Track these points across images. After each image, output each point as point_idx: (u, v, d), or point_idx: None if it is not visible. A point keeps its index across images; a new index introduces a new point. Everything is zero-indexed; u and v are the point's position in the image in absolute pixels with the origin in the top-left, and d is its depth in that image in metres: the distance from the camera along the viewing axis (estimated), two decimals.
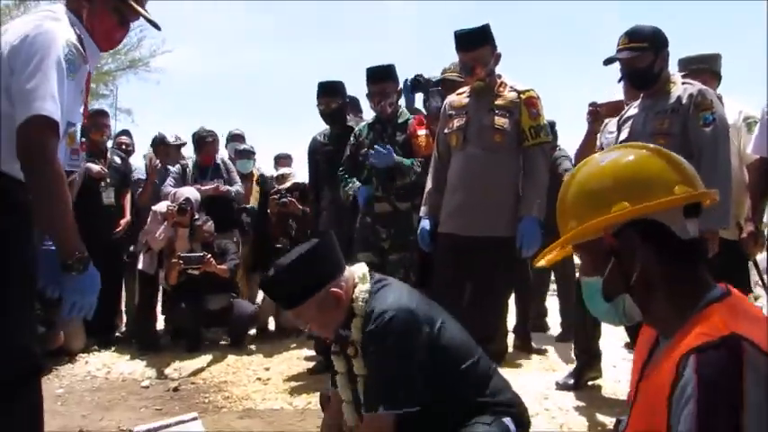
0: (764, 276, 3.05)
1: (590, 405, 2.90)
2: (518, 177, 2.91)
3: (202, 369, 3.89)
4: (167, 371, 3.87)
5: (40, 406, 1.73)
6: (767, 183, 2.90)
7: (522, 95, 2.88)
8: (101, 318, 4.56)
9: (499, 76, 2.98)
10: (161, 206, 4.43)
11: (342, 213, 3.69)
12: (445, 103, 3.13)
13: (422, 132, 3.44)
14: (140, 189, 4.86)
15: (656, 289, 1.07)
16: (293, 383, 3.56)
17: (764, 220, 3.04)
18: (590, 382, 3.18)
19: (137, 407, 3.25)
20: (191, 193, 4.50)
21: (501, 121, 2.84)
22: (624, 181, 1.08)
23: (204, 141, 4.92)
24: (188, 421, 2.29)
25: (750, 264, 3.07)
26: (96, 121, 4.57)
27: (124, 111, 16.96)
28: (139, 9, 1.86)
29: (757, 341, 0.91)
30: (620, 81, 2.81)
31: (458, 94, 3.07)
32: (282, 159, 6.55)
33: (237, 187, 4.88)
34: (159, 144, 5.36)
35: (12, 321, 1.64)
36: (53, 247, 1.68)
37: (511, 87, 2.92)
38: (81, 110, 1.84)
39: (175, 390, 3.50)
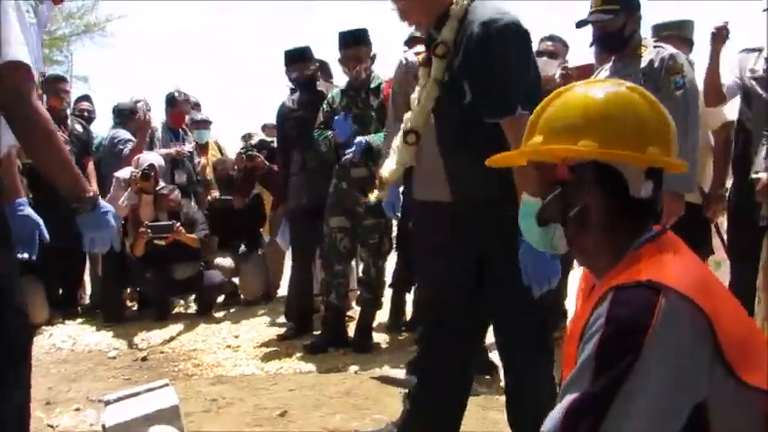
0: (725, 239, 3.14)
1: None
2: None
3: (171, 338, 3.85)
4: (134, 341, 3.82)
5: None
6: (732, 148, 2.97)
7: None
8: (64, 290, 4.52)
9: None
10: (124, 173, 4.31)
11: (312, 179, 3.67)
12: (404, 61, 2.91)
13: None
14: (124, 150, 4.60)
15: (591, 228, 1.07)
16: (263, 350, 3.56)
17: (726, 185, 3.11)
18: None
19: (105, 377, 3.21)
20: (155, 158, 4.38)
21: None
22: (598, 119, 1.04)
23: (177, 101, 4.82)
24: (159, 388, 2.26)
25: (713, 228, 3.16)
26: (55, 87, 4.40)
27: (81, 78, 16.38)
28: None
29: (676, 284, 0.91)
30: (591, 45, 2.81)
31: (417, 54, 2.71)
32: (269, 129, 6.46)
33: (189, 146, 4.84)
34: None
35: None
36: (25, 212, 1.67)
37: None
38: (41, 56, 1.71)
39: (144, 359, 3.47)
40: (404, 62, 2.92)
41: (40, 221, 1.73)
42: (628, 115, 1.04)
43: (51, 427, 2.53)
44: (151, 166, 4.26)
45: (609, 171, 1.04)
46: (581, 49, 3.96)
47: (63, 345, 3.80)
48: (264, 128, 6.43)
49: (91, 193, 1.59)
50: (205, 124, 5.24)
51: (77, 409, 2.71)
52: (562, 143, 1.05)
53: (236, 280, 4.75)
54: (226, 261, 4.67)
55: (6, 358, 1.48)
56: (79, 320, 4.29)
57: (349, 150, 3.25)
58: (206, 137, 5.21)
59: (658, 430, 0.89)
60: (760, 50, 2.91)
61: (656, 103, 1.08)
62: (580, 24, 2.71)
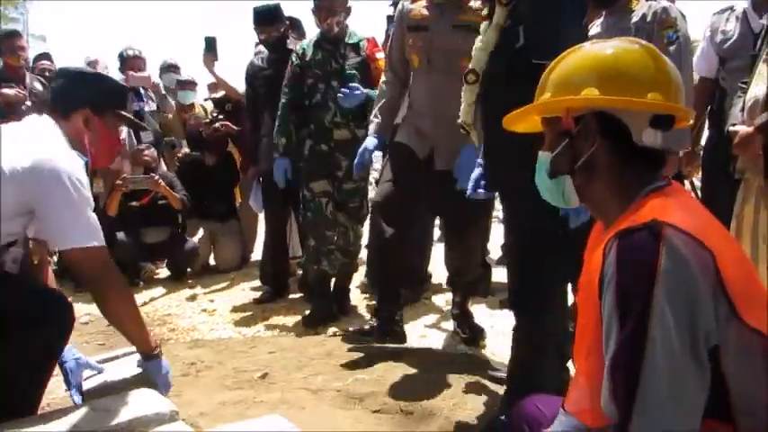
0: (698, 195, 3.21)
1: None
2: None
3: (144, 303, 3.78)
4: None
5: None
6: (706, 104, 3.01)
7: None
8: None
9: None
10: None
11: None
12: (401, 8, 2.73)
13: (381, 56, 3.20)
14: None
15: (598, 177, 1.09)
16: (240, 314, 3.54)
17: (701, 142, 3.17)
18: None
19: (78, 342, 3.13)
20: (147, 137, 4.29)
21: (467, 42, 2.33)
22: (601, 69, 1.07)
23: (131, 58, 4.65)
24: (135, 353, 2.22)
25: (687, 185, 3.23)
26: (10, 43, 4.20)
27: (38, 37, 15.71)
28: (128, 115, 2.04)
29: (679, 223, 0.93)
30: None
31: (414, 1, 2.68)
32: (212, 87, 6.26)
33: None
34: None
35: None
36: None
37: None
38: None
39: None
40: (403, 8, 2.73)
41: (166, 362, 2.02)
42: (628, 64, 1.07)
43: None
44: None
45: (612, 120, 1.06)
46: None
47: None
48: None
49: (157, 351, 1.95)
50: (190, 85, 5.04)
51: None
52: (565, 95, 1.08)
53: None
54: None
55: None
56: None
57: (347, 100, 3.04)
58: (191, 98, 4.97)
59: (685, 370, 0.90)
60: (731, 9, 2.94)
61: (659, 53, 1.09)
62: None
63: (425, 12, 2.61)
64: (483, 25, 2.04)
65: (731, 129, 2.53)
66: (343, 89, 3.06)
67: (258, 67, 3.75)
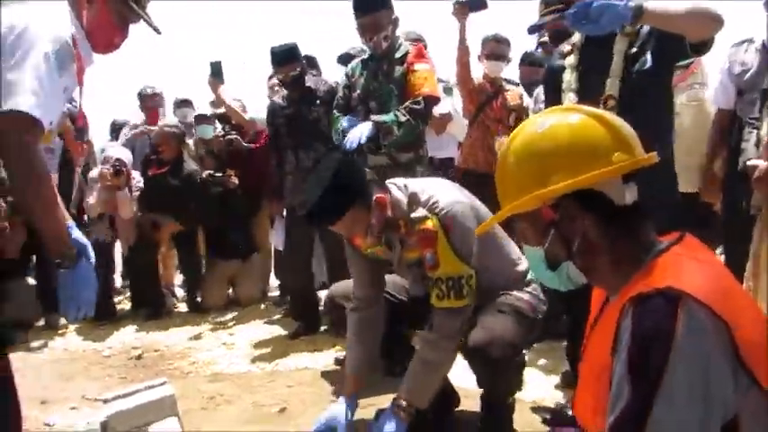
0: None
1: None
2: None
3: (165, 337, 3.83)
4: (128, 339, 3.79)
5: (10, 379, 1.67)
6: (724, 135, 3.01)
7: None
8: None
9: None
10: (94, 172, 4.30)
11: (306, 179, 3.59)
12: None
13: (421, 67, 3.05)
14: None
15: (598, 254, 1.09)
16: (259, 347, 3.54)
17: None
18: None
19: (100, 376, 3.18)
20: (122, 152, 4.35)
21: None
22: (561, 151, 1.06)
23: (149, 96, 4.88)
24: (157, 386, 2.24)
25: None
26: None
27: None
28: (141, 12, 1.77)
29: (695, 291, 0.92)
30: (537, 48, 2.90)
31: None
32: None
33: None
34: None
35: None
36: (74, 235, 1.65)
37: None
38: (63, 108, 1.73)
39: (138, 358, 3.44)
40: None
41: (88, 243, 1.71)
42: (581, 136, 1.07)
43: (48, 425, 2.51)
44: (119, 161, 4.20)
45: (589, 193, 1.06)
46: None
47: (56, 344, 3.77)
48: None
49: (74, 250, 1.60)
50: (207, 120, 5.15)
51: (73, 408, 2.69)
52: (533, 189, 1.07)
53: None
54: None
55: None
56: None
57: (351, 140, 2.89)
58: (210, 132, 5.02)
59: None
60: (750, 40, 2.95)
61: (597, 111, 1.10)
62: (532, 30, 2.77)
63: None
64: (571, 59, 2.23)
65: (749, 163, 2.53)
66: (349, 117, 3.01)
67: (279, 106, 3.80)
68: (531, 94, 3.68)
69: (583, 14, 1.79)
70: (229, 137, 4.48)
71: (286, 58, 3.59)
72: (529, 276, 2.17)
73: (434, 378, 2.03)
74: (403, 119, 2.93)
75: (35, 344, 3.72)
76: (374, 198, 1.99)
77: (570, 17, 1.83)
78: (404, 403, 1.97)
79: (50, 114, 1.54)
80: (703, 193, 3.08)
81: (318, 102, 3.62)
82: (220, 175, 4.44)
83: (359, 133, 2.91)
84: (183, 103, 5.48)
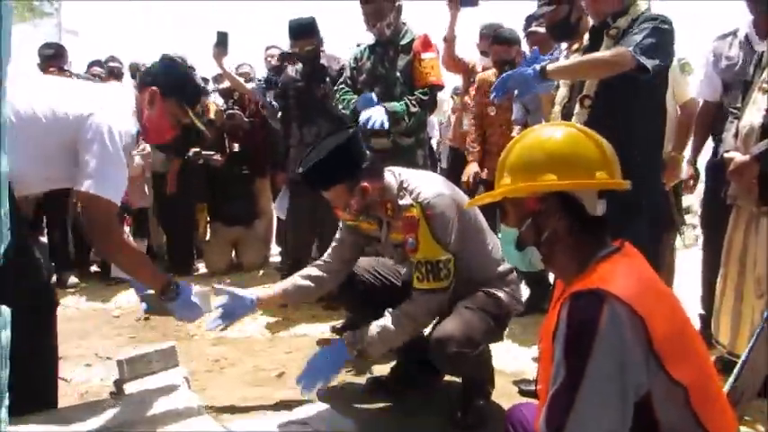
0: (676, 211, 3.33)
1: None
2: None
3: None
4: (134, 300, 3.96)
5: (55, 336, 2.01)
6: (709, 126, 3.12)
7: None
8: (76, 250, 4.67)
9: None
10: None
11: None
12: None
13: (428, 56, 3.16)
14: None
15: (560, 248, 1.31)
16: (260, 314, 3.72)
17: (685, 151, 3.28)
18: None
19: (110, 335, 3.38)
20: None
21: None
22: (556, 157, 1.28)
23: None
24: (166, 349, 2.43)
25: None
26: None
27: (70, 32, 16.07)
28: (193, 118, 2.13)
29: (619, 291, 1.11)
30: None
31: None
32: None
33: None
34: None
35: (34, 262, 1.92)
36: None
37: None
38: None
39: (146, 319, 3.62)
40: None
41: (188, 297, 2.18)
42: (576, 149, 1.28)
43: (65, 380, 2.70)
44: None
45: (569, 197, 1.27)
46: None
47: (68, 302, 3.97)
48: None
49: (172, 288, 2.09)
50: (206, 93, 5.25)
51: (88, 365, 2.89)
52: (527, 181, 1.29)
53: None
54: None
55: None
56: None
57: (366, 119, 2.98)
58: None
59: (609, 411, 1.09)
60: (734, 34, 3.03)
61: (595, 134, 1.33)
62: (529, 20, 2.90)
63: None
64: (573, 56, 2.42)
65: (726, 155, 2.64)
66: (363, 95, 3.06)
67: (291, 78, 3.85)
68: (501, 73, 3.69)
69: (502, 87, 2.22)
70: (230, 111, 4.59)
71: (303, 31, 3.63)
72: (510, 277, 2.33)
73: (394, 344, 2.22)
74: (413, 109, 3.07)
75: None
76: (361, 184, 2.15)
77: (495, 90, 2.24)
78: (357, 347, 2.14)
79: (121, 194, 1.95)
80: (686, 186, 3.22)
81: (328, 79, 3.68)
82: (208, 153, 4.65)
83: (380, 117, 3.00)
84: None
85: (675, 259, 3.45)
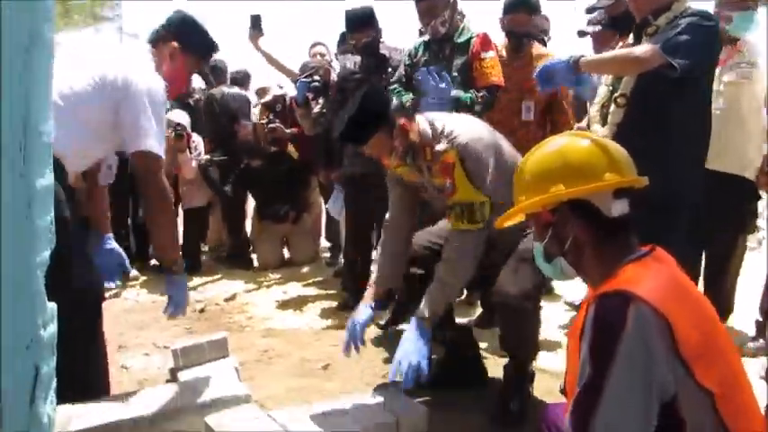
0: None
1: None
2: None
3: (224, 292, 4.20)
4: (190, 293, 4.15)
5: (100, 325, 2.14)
6: None
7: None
8: (137, 245, 4.90)
9: None
10: None
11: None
12: None
13: (488, 55, 3.08)
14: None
15: (585, 254, 1.32)
16: (309, 307, 3.84)
17: None
18: None
19: (167, 326, 3.53)
20: (181, 117, 4.54)
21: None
22: (561, 167, 1.32)
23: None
24: (218, 340, 2.55)
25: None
26: None
27: (131, 35, 16.71)
28: (205, 68, 2.35)
29: (646, 295, 1.13)
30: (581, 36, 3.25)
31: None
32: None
33: None
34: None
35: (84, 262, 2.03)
36: (111, 246, 2.39)
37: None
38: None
39: (201, 311, 3.79)
40: None
41: (124, 255, 2.42)
42: (581, 157, 1.31)
43: (125, 368, 2.87)
44: (180, 125, 4.46)
45: (583, 203, 1.29)
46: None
47: (128, 295, 4.19)
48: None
49: (178, 271, 2.22)
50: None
51: (146, 354, 3.05)
52: (538, 195, 1.33)
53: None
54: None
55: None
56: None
57: (433, 100, 2.87)
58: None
59: (634, 411, 1.11)
60: None
61: (598, 138, 1.36)
62: (590, 11, 2.88)
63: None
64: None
65: None
66: (431, 70, 2.90)
67: (350, 71, 3.70)
68: (519, 48, 3.47)
69: (544, 80, 2.24)
70: (272, 125, 4.66)
71: (360, 23, 3.53)
72: None
73: (451, 293, 2.30)
74: (477, 108, 2.97)
75: (110, 293, 4.14)
76: (399, 124, 2.19)
77: (540, 80, 2.26)
78: (426, 314, 2.18)
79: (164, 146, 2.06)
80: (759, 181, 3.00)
81: (390, 70, 3.54)
82: (220, 158, 4.85)
83: (454, 94, 2.91)
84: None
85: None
